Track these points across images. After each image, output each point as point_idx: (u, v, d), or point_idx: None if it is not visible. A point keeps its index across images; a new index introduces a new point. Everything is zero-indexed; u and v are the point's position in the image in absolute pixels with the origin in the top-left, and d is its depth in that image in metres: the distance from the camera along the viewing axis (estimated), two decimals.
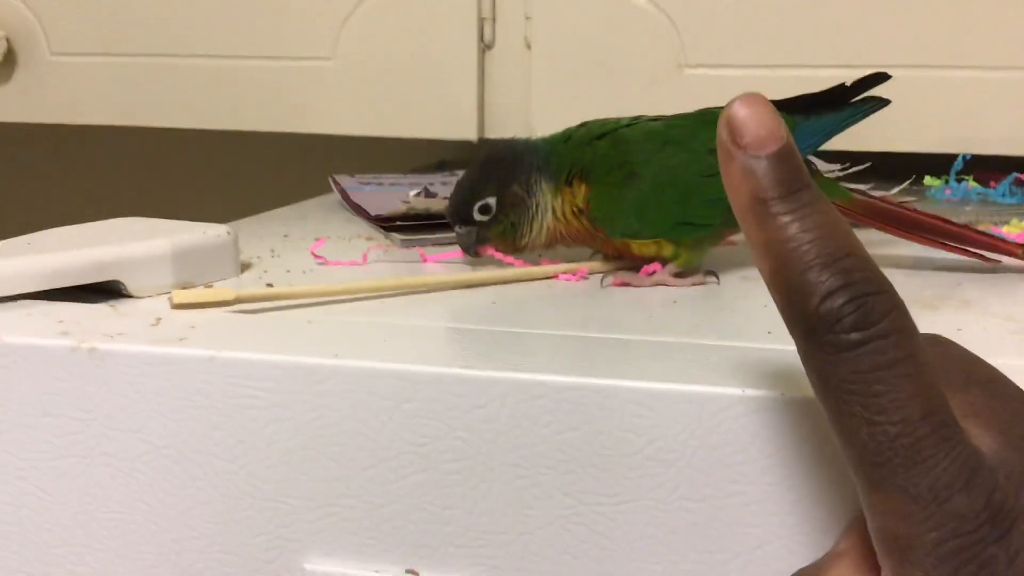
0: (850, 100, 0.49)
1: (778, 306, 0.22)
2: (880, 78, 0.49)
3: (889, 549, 0.21)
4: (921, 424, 0.20)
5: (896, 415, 0.20)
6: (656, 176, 0.45)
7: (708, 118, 0.47)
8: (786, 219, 0.22)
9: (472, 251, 0.48)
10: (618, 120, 0.48)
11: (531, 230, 0.47)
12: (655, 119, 0.48)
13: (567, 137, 0.48)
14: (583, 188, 0.45)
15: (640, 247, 0.45)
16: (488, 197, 0.47)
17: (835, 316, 0.21)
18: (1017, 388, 0.23)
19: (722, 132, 0.23)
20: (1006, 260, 0.48)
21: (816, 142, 0.48)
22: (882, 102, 0.49)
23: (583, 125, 0.48)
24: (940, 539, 0.20)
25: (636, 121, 0.48)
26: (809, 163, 0.48)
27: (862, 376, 0.21)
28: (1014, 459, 0.21)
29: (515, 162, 0.47)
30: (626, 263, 0.47)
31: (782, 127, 0.23)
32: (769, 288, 0.23)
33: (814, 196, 0.22)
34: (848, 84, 0.49)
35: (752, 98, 0.23)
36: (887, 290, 0.21)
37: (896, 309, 0.21)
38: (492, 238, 0.48)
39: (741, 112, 0.23)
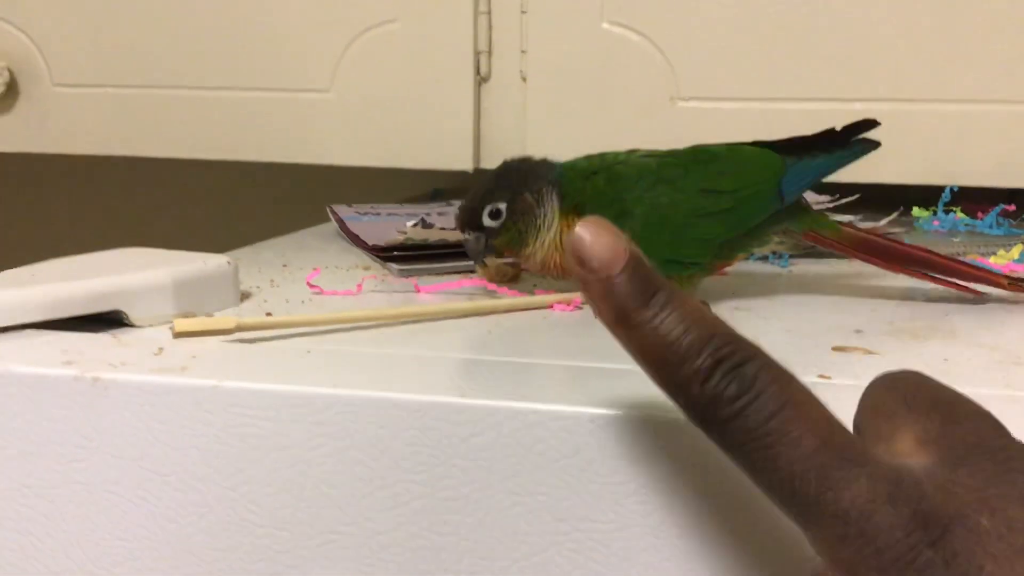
0: (841, 143, 0.49)
1: (671, 400, 0.25)
2: (869, 124, 0.49)
3: (840, 573, 0.22)
4: (818, 454, 0.22)
5: (793, 454, 0.22)
6: (647, 214, 0.46)
7: (700, 157, 0.48)
8: (651, 325, 0.24)
9: (480, 258, 0.49)
10: (616, 155, 0.49)
11: (536, 241, 0.47)
12: (650, 154, 0.49)
13: (572, 167, 0.49)
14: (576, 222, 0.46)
15: None
16: (500, 202, 0.47)
17: (717, 394, 0.23)
18: (977, 408, 0.25)
19: (571, 261, 0.26)
20: (993, 292, 0.49)
21: (806, 183, 0.48)
22: (873, 145, 0.49)
23: (587, 158, 0.49)
24: (876, 551, 0.21)
25: (632, 155, 0.49)
26: (800, 199, 0.49)
27: (753, 433, 0.23)
28: (946, 472, 0.22)
29: (530, 172, 0.48)
30: None
31: (623, 242, 0.25)
32: (660, 387, 0.25)
33: (668, 295, 0.25)
34: (837, 129, 0.50)
35: (591, 224, 0.26)
36: (753, 355, 0.24)
37: (763, 369, 0.23)
38: (499, 246, 0.48)
39: (585, 240, 0.25)
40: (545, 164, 0.49)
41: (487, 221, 0.47)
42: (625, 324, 0.25)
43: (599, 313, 0.26)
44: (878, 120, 0.49)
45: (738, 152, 0.48)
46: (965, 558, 0.21)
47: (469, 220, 0.48)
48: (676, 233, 0.45)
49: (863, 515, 0.21)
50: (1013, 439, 0.24)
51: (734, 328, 0.25)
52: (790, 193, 0.47)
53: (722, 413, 0.23)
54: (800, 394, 0.23)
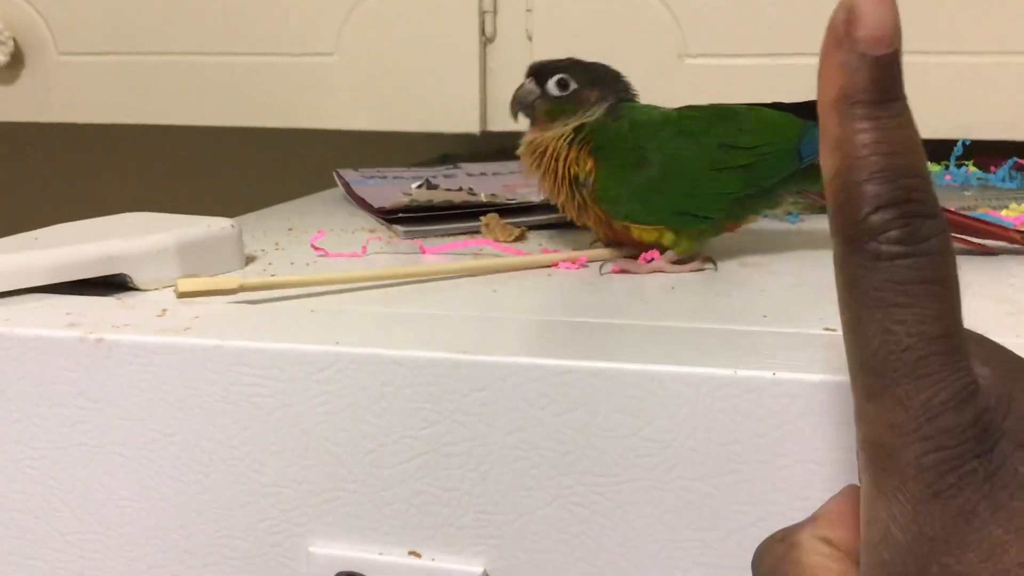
0: None
1: (829, 204, 0.23)
2: None
3: (872, 458, 0.22)
4: (935, 342, 0.21)
5: (915, 328, 0.21)
6: (666, 164, 0.45)
7: (722, 113, 0.47)
8: (869, 124, 0.22)
9: (524, 108, 0.49)
10: (647, 106, 0.49)
11: (567, 127, 0.47)
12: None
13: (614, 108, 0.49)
14: (590, 163, 0.46)
15: (640, 232, 0.46)
16: (574, 82, 0.48)
17: (883, 227, 0.21)
18: (1006, 348, 0.24)
19: (838, 15, 0.22)
20: (1006, 246, 0.48)
21: None
22: None
23: (621, 102, 0.49)
24: (924, 451, 0.21)
25: (654, 108, 0.49)
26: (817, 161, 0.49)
27: (894, 286, 0.21)
28: (1006, 385, 0.22)
29: (615, 81, 0.49)
30: (625, 251, 0.48)
31: (899, 33, 0.22)
32: (827, 184, 0.23)
33: (902, 110, 0.22)
34: None
35: None
36: (938, 216, 0.22)
37: (942, 235, 0.22)
38: (540, 112, 0.48)
39: (865, 3, 0.22)
40: (622, 86, 0.49)
41: (551, 84, 0.48)
42: (843, 109, 0.22)
43: (824, 81, 0.23)
44: None
45: (759, 112, 0.48)
46: (1008, 473, 0.21)
47: (537, 71, 0.49)
48: (692, 185, 0.45)
49: (930, 413, 0.21)
50: None
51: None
52: (808, 155, 0.46)
53: (876, 248, 0.21)
54: (956, 282, 0.22)
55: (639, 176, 0.45)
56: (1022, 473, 0.21)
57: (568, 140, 0.47)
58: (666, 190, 0.45)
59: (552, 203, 0.49)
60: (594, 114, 0.48)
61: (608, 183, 0.46)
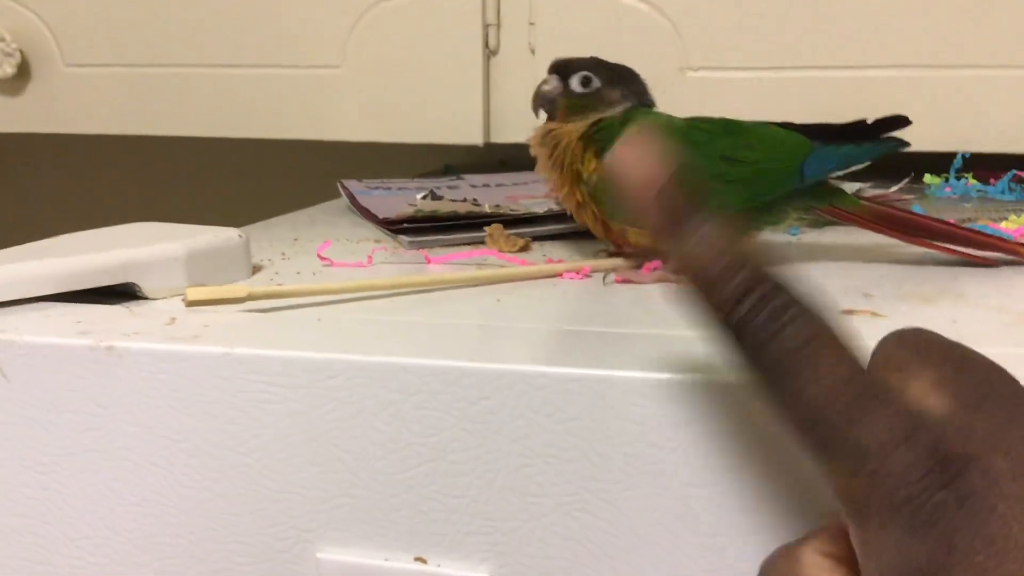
0: (872, 135, 0.49)
1: (707, 321, 0.25)
2: (901, 122, 0.49)
3: (850, 510, 0.23)
4: (844, 388, 0.23)
5: (819, 386, 0.23)
6: None
7: (728, 127, 0.48)
8: (686, 246, 0.25)
9: (546, 104, 0.49)
10: (657, 114, 0.50)
11: (584, 123, 0.48)
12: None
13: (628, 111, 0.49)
14: (594, 162, 0.47)
15: (637, 236, 0.47)
16: (598, 81, 0.48)
17: (747, 320, 0.24)
18: (989, 361, 0.25)
19: (615, 179, 0.26)
20: (1005, 258, 0.49)
21: (829, 168, 0.48)
22: (902, 144, 0.49)
23: (635, 108, 0.50)
24: (890, 490, 0.21)
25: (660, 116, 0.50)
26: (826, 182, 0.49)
27: (781, 362, 0.23)
28: (965, 416, 0.22)
29: (632, 83, 0.50)
30: (629, 261, 0.48)
31: (660, 163, 0.26)
32: (694, 305, 0.25)
33: (704, 218, 0.25)
34: (869, 121, 0.49)
35: (629, 143, 0.26)
36: (784, 286, 0.24)
37: (794, 301, 0.24)
38: (561, 106, 0.49)
39: (623, 161, 0.26)
40: (642, 89, 0.50)
41: (575, 81, 0.48)
42: (663, 242, 0.26)
43: (647, 227, 0.26)
44: (909, 118, 0.49)
45: (765, 128, 0.48)
46: (979, 498, 0.21)
47: (562, 68, 0.49)
48: None
49: (882, 452, 0.22)
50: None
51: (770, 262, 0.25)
52: (811, 175, 0.47)
53: (752, 339, 0.24)
54: (829, 329, 0.24)
55: None
56: (992, 498, 0.21)
57: (582, 136, 0.47)
58: None
59: (554, 196, 0.50)
60: (614, 113, 0.48)
61: (608, 183, 0.46)
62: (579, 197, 0.48)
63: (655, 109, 0.51)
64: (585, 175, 0.47)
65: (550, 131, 0.49)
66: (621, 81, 0.49)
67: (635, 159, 0.26)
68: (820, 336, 0.23)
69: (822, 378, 0.23)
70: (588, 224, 0.49)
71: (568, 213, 0.50)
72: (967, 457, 0.21)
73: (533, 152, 0.50)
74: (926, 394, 0.23)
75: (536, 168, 0.50)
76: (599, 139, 0.47)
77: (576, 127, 0.48)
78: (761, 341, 0.23)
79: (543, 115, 0.51)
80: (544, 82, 0.49)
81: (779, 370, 0.23)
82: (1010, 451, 0.21)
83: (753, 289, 0.24)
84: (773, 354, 0.23)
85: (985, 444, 0.22)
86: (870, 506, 0.22)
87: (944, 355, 0.24)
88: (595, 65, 0.49)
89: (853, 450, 0.22)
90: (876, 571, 0.22)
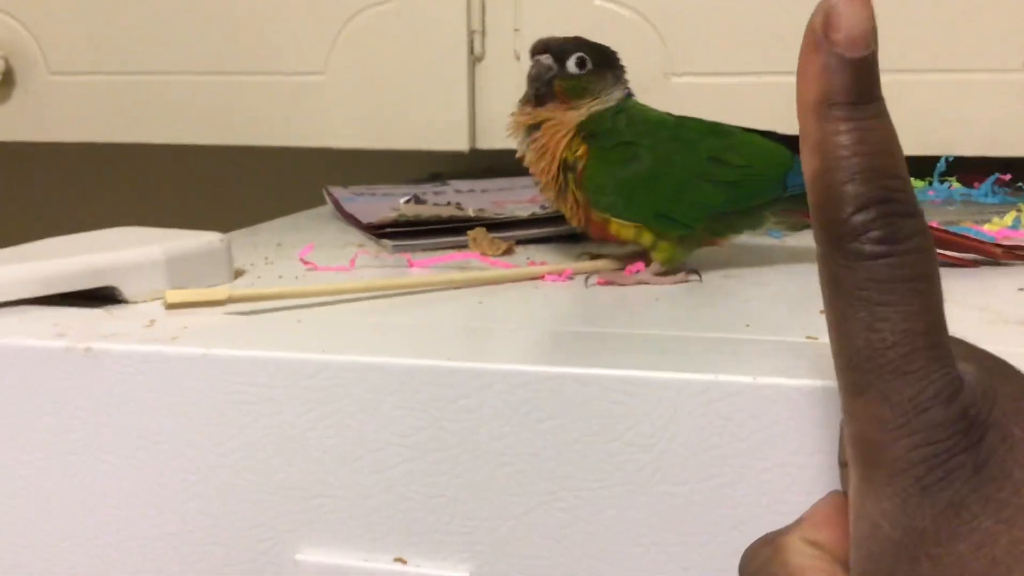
0: None
1: (811, 205, 0.23)
2: None
3: (860, 454, 0.22)
4: (920, 339, 0.21)
5: (900, 325, 0.21)
6: (656, 164, 0.46)
7: (717, 130, 0.48)
8: (848, 126, 0.22)
9: (540, 84, 0.49)
10: (649, 108, 0.50)
11: (583, 112, 0.48)
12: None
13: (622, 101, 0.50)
14: (582, 148, 0.47)
15: (619, 228, 0.47)
16: (593, 63, 0.48)
17: (865, 227, 0.22)
18: (983, 349, 0.25)
19: (816, 18, 0.23)
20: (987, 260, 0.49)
21: None
22: None
23: (627, 99, 0.50)
24: (912, 445, 0.21)
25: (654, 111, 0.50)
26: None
27: (877, 284, 0.22)
28: (990, 380, 0.22)
29: (618, 65, 0.50)
30: (611, 265, 0.48)
31: (875, 34, 0.23)
32: (808, 185, 0.23)
33: (880, 111, 0.23)
34: None
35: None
36: (918, 214, 0.22)
37: (922, 233, 0.22)
38: (557, 87, 0.48)
39: (842, 5, 0.23)
40: (622, 73, 0.51)
41: (571, 62, 0.48)
42: (822, 112, 0.23)
43: (803, 85, 0.23)
44: None
45: (751, 136, 0.48)
46: (996, 465, 0.21)
47: (557, 49, 0.49)
48: (677, 190, 0.46)
49: (918, 408, 0.21)
50: None
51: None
52: (792, 186, 0.47)
53: (858, 248, 0.22)
54: (938, 280, 0.22)
55: (627, 171, 0.46)
56: (1009, 465, 0.21)
57: (579, 122, 0.47)
58: (651, 190, 0.46)
59: (536, 179, 0.50)
60: (612, 98, 0.48)
61: (596, 171, 0.46)
62: (562, 182, 0.47)
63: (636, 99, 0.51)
64: (571, 159, 0.47)
65: (547, 120, 0.48)
66: (609, 63, 0.49)
67: (854, 8, 0.23)
68: (924, 278, 0.22)
69: (904, 320, 0.21)
70: (568, 213, 0.49)
71: (550, 205, 0.49)
72: (989, 424, 0.21)
73: (513, 134, 0.50)
74: (958, 359, 0.23)
75: (518, 152, 0.50)
76: (591, 127, 0.47)
77: (574, 116, 0.48)
78: (868, 254, 0.21)
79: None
80: (536, 63, 0.49)
81: (865, 293, 0.21)
82: None
83: (890, 201, 0.22)
84: (873, 273, 0.21)
85: (1006, 411, 0.22)
86: (885, 457, 0.21)
87: (956, 340, 0.24)
88: (583, 45, 0.49)
89: (894, 399, 0.21)
90: (869, 528, 0.22)
